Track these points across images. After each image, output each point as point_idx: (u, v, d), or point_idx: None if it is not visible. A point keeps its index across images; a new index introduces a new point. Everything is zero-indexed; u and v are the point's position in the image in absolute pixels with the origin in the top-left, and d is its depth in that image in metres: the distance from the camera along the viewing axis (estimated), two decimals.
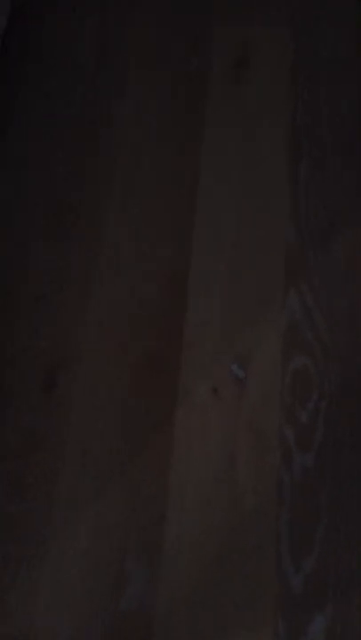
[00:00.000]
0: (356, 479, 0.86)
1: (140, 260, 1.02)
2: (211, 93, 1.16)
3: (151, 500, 0.85)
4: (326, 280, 0.99)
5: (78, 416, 0.90)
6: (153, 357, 0.95)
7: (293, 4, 1.24)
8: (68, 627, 0.78)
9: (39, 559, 0.81)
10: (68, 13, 1.24)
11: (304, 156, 1.09)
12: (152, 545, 0.82)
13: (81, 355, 0.94)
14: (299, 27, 1.22)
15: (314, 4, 1.25)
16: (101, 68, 1.18)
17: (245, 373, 0.93)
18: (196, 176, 1.08)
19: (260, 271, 1.00)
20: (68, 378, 0.93)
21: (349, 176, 1.08)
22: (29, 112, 1.14)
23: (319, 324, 0.96)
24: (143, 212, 1.05)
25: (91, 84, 1.17)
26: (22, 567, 0.80)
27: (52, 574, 0.80)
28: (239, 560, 0.82)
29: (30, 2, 1.25)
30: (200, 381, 0.92)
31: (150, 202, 1.07)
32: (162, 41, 1.21)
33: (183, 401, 0.91)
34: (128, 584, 0.80)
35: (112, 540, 0.82)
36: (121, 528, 0.83)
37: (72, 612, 0.79)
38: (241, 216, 1.05)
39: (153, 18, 1.24)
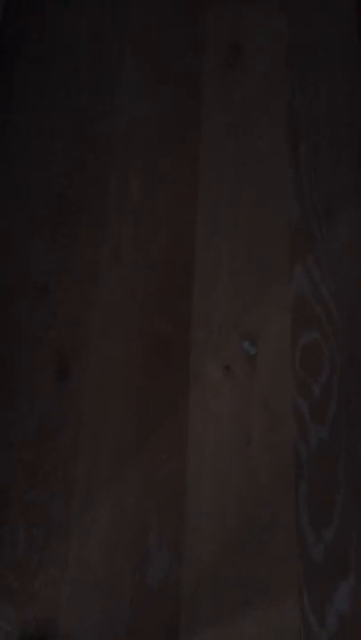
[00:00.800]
0: None
1: (142, 248, 1.02)
2: (207, 83, 1.16)
3: (169, 478, 0.86)
4: (332, 254, 0.99)
5: (92, 402, 0.91)
6: (163, 340, 0.95)
7: None
8: (94, 606, 0.79)
9: (63, 542, 0.82)
10: (64, 7, 1.23)
11: (303, 138, 1.09)
12: (173, 522, 0.83)
13: (90, 342, 0.95)
14: (293, 14, 1.21)
15: None
16: (98, 63, 1.18)
17: (256, 350, 0.93)
18: (196, 164, 1.08)
19: (266, 249, 1.00)
20: (79, 365, 0.93)
21: (347, 156, 1.08)
22: (27, 109, 1.15)
23: (327, 297, 0.96)
24: (143, 203, 1.06)
25: (88, 79, 1.17)
26: (47, 551, 0.82)
27: (77, 556, 0.82)
28: (260, 533, 0.83)
29: None
30: (212, 361, 0.93)
31: (150, 193, 1.07)
32: (158, 33, 1.21)
33: (196, 381, 0.92)
34: (152, 561, 0.81)
35: (133, 520, 0.83)
36: (141, 507, 0.84)
37: (98, 591, 0.80)
38: (244, 199, 1.05)
39: (149, 10, 1.24)
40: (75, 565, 0.81)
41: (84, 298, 0.98)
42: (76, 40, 1.21)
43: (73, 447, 0.87)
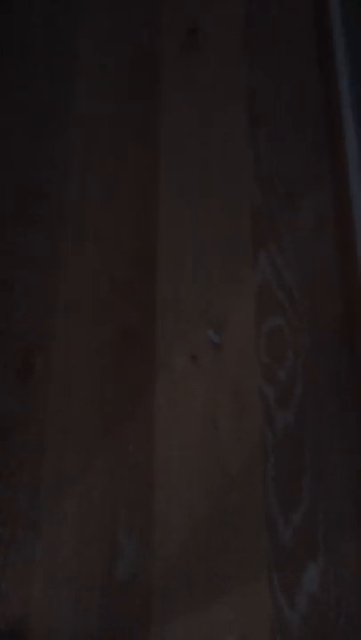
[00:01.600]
0: (337, 432, 0.88)
1: (105, 238, 1.01)
2: (165, 67, 1.14)
3: (137, 469, 0.85)
4: (294, 240, 0.99)
5: (57, 396, 0.90)
6: (127, 332, 0.94)
7: None
8: (65, 602, 0.79)
9: (31, 540, 0.81)
10: None
11: (262, 121, 1.08)
12: (142, 513, 0.83)
13: (54, 336, 0.94)
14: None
15: None
16: (53, 52, 1.15)
17: (222, 338, 0.93)
18: (156, 150, 1.07)
19: (228, 236, 1.00)
20: (43, 360, 0.92)
21: (306, 137, 1.08)
22: None
23: (290, 283, 0.96)
24: (105, 193, 1.04)
25: (43, 68, 1.14)
26: (14, 549, 0.81)
27: (46, 553, 0.81)
28: (229, 519, 0.83)
29: None
30: (177, 350, 0.93)
31: (112, 182, 1.05)
32: (112, 23, 1.18)
33: (162, 371, 0.91)
34: (122, 554, 0.81)
35: (102, 514, 0.83)
36: (110, 501, 0.83)
37: (69, 587, 0.79)
38: (206, 185, 1.04)
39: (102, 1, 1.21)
40: (43, 562, 0.80)
41: (47, 290, 0.97)
42: (29, 27, 1.18)
43: (39, 443, 0.86)
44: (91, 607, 0.79)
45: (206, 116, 1.09)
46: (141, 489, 0.84)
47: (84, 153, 1.08)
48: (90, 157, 1.06)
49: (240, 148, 1.07)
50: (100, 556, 0.81)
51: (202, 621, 0.78)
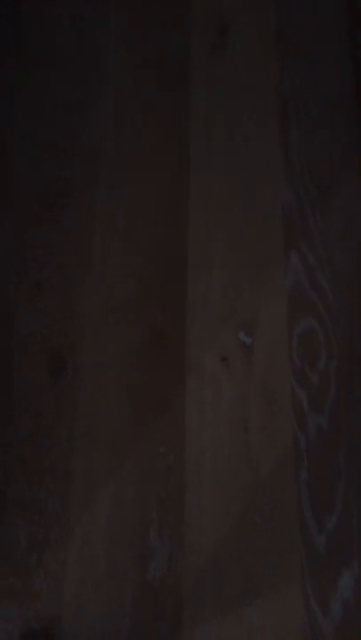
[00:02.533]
0: None
1: (133, 239, 1.00)
2: (194, 66, 1.14)
3: (169, 471, 0.85)
4: (326, 238, 0.98)
5: (87, 397, 0.90)
6: (157, 333, 0.94)
7: None
8: (96, 602, 0.79)
9: (63, 540, 0.82)
10: None
11: (293, 120, 1.07)
12: (173, 515, 0.82)
13: (85, 336, 0.94)
14: None
15: None
16: (80, 51, 1.16)
17: (252, 339, 0.92)
18: (184, 150, 1.06)
19: (259, 235, 0.99)
20: (74, 360, 0.92)
21: (337, 135, 1.06)
22: (9, 101, 1.12)
23: (322, 283, 0.94)
24: (133, 190, 1.04)
25: (71, 68, 1.14)
26: (47, 549, 0.81)
27: (77, 553, 0.81)
28: (262, 523, 0.82)
29: None
30: (208, 352, 0.92)
31: (140, 179, 1.05)
32: (140, 21, 1.18)
33: (192, 373, 0.90)
34: (153, 556, 0.81)
35: (133, 515, 0.83)
36: (141, 502, 0.83)
37: (100, 588, 0.79)
38: (235, 185, 1.03)
39: None
40: (75, 563, 0.80)
41: (76, 292, 0.97)
42: (56, 27, 1.18)
43: (69, 444, 0.86)
44: (122, 609, 0.79)
45: (236, 115, 1.08)
46: (173, 491, 0.83)
47: (111, 153, 1.07)
48: (117, 158, 1.06)
49: (270, 148, 1.05)
50: (131, 557, 0.81)
51: (233, 626, 0.77)
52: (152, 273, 0.98)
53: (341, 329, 0.92)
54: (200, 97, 1.11)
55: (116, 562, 0.81)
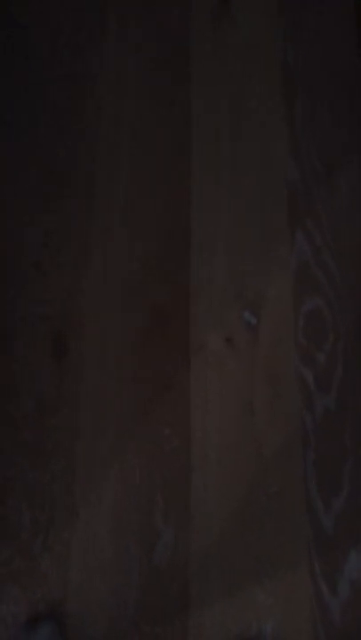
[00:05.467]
0: None
1: (135, 219, 0.98)
2: (196, 40, 1.10)
3: (174, 453, 0.84)
4: (332, 216, 0.96)
5: (91, 378, 0.88)
6: (161, 313, 0.92)
7: None
8: (103, 585, 0.78)
9: (68, 523, 0.81)
10: None
11: (298, 95, 1.04)
12: (179, 497, 0.82)
13: (87, 318, 0.92)
14: None
15: None
16: (81, 24, 1.11)
17: (258, 319, 0.91)
18: (187, 127, 1.03)
19: (265, 213, 0.97)
20: (77, 342, 0.90)
21: (344, 111, 1.03)
22: (9, 78, 1.08)
23: (329, 261, 0.93)
24: (134, 172, 1.01)
25: (70, 42, 1.10)
26: (52, 532, 0.80)
27: (82, 536, 0.80)
28: (268, 504, 0.81)
29: None
30: (212, 332, 0.90)
31: (141, 159, 1.02)
32: None
33: (197, 353, 0.89)
34: (159, 538, 0.80)
35: (138, 498, 0.82)
36: (146, 484, 0.82)
37: (105, 571, 0.79)
38: (239, 162, 1.01)
39: None
40: (81, 546, 0.80)
41: (78, 272, 0.95)
42: (56, 4, 1.14)
43: (74, 425, 0.85)
44: (128, 591, 0.78)
45: (239, 88, 1.05)
46: (178, 473, 0.82)
47: (112, 129, 1.04)
48: (119, 133, 1.03)
49: (274, 123, 1.02)
50: (137, 540, 0.80)
51: (241, 606, 0.77)
52: (154, 253, 0.96)
53: (348, 308, 0.90)
54: (203, 69, 1.07)
55: (121, 545, 0.80)
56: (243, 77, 1.06)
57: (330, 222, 0.95)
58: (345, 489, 0.81)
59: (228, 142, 1.02)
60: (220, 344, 0.90)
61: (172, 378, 0.88)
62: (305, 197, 0.97)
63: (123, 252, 0.96)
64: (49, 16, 1.12)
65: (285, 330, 0.90)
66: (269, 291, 0.92)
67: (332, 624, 0.76)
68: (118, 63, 1.07)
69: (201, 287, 0.93)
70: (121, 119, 1.04)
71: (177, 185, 0.99)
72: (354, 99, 1.04)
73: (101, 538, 0.80)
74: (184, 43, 1.09)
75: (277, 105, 1.03)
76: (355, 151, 1.01)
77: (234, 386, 0.87)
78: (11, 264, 0.95)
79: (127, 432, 0.85)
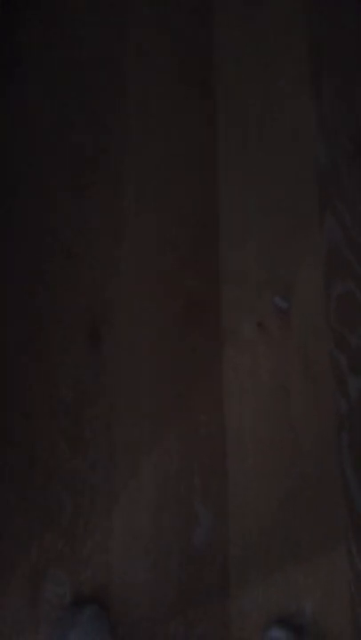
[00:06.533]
0: None
1: (164, 205, 0.98)
2: (221, 20, 1.08)
3: (210, 438, 0.85)
4: None
5: (125, 366, 0.89)
6: (193, 299, 0.92)
7: None
8: (144, 570, 0.80)
9: (109, 509, 0.83)
10: None
11: (326, 78, 1.02)
12: (217, 482, 0.83)
13: (121, 305, 0.93)
14: None
15: None
16: (105, 6, 1.10)
17: (289, 304, 0.90)
18: (213, 109, 1.02)
19: (294, 196, 0.95)
20: (111, 330, 0.91)
21: None
22: (36, 64, 1.08)
23: (359, 243, 0.92)
24: (162, 157, 1.00)
25: (93, 27, 1.09)
26: (93, 517, 0.82)
27: (123, 521, 0.82)
28: (304, 487, 0.82)
29: None
30: (244, 317, 0.90)
31: (168, 142, 1.01)
32: None
33: (230, 339, 0.89)
34: (198, 522, 0.81)
35: (177, 482, 0.83)
36: (184, 469, 0.84)
37: (147, 556, 0.81)
38: (267, 144, 0.99)
39: None
40: (121, 531, 0.82)
41: (109, 260, 0.95)
42: None
43: (110, 413, 0.86)
44: (169, 574, 0.80)
45: (265, 68, 1.03)
46: (215, 458, 0.84)
47: (139, 116, 1.04)
48: (146, 121, 1.02)
49: (302, 103, 1.01)
50: (176, 524, 0.81)
51: (280, 588, 0.79)
52: (184, 239, 0.95)
53: None
54: (229, 50, 1.05)
55: (161, 529, 0.82)
56: (269, 58, 1.04)
57: (359, 204, 0.94)
58: None
59: (255, 124, 1.00)
60: (252, 329, 0.90)
61: (205, 364, 0.88)
62: (335, 179, 0.95)
63: (153, 240, 0.96)
64: (70, 7, 1.11)
65: (317, 314, 0.90)
66: (300, 275, 0.92)
67: None
68: (142, 48, 1.06)
69: (232, 273, 0.93)
70: (147, 104, 1.03)
71: (204, 172, 0.98)
72: None
73: (141, 523, 0.82)
74: (208, 19, 1.07)
75: (305, 84, 1.01)
76: None
77: (267, 371, 0.88)
78: (43, 253, 0.95)
79: (163, 419, 0.86)
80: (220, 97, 1.02)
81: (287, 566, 0.79)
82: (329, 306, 0.90)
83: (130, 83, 1.04)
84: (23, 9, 1.10)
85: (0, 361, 0.89)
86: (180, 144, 1.00)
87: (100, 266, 0.94)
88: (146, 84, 1.04)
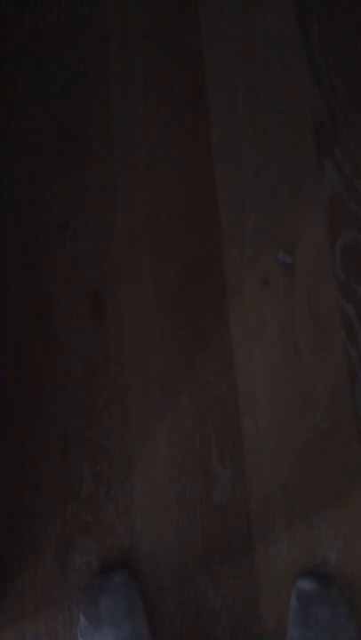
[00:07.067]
0: None
1: (157, 170, 0.95)
2: None
3: (222, 399, 0.85)
4: (360, 142, 0.92)
5: (132, 335, 0.89)
6: (195, 262, 0.91)
7: None
8: (167, 529, 0.81)
9: (128, 474, 0.83)
10: None
11: (315, 16, 0.98)
12: (232, 440, 0.83)
13: (121, 275, 0.92)
14: None
15: None
16: None
17: (293, 258, 0.89)
18: (200, 63, 0.99)
19: (290, 147, 0.93)
20: (114, 300, 0.90)
21: None
22: (17, 37, 1.04)
23: None
24: (151, 118, 0.98)
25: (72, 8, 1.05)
26: (114, 484, 0.83)
27: (143, 485, 0.83)
28: (321, 440, 0.82)
29: None
30: (248, 276, 0.89)
31: (157, 102, 0.99)
32: None
33: (235, 299, 0.88)
34: (217, 481, 0.82)
35: (193, 444, 0.84)
36: (199, 431, 0.84)
37: (169, 516, 0.82)
38: (258, 96, 0.97)
39: None
40: (142, 494, 0.82)
41: (106, 230, 0.94)
42: None
43: (122, 382, 0.86)
44: (193, 532, 0.81)
45: (251, 12, 0.99)
46: (229, 418, 0.84)
47: (124, 82, 1.01)
48: (131, 87, 1.00)
49: (293, 47, 0.97)
50: (196, 483, 0.82)
51: (303, 538, 0.80)
52: (181, 201, 0.94)
53: None
54: (211, 2, 1.02)
55: (181, 489, 0.82)
56: (254, 2, 1.00)
57: (359, 150, 0.91)
58: None
59: (243, 76, 0.97)
60: (257, 287, 0.89)
61: (212, 326, 0.88)
62: (331, 125, 0.93)
63: (149, 207, 0.94)
64: None
65: (323, 266, 0.88)
66: (303, 227, 0.90)
67: None
68: (124, 23, 1.02)
69: (232, 232, 0.91)
70: (132, 70, 0.99)
71: (197, 130, 0.96)
72: None
73: (161, 485, 0.83)
74: None
75: (293, 27, 0.98)
76: None
77: (275, 327, 0.87)
78: (39, 228, 0.94)
79: (174, 384, 0.86)
80: (206, 54, 0.99)
81: (309, 516, 0.80)
82: (334, 257, 0.88)
83: (112, 53, 1.00)
84: None
85: (6, 342, 0.88)
86: (168, 109, 0.97)
87: (95, 236, 0.92)
88: (129, 51, 1.00)
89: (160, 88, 0.98)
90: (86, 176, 0.96)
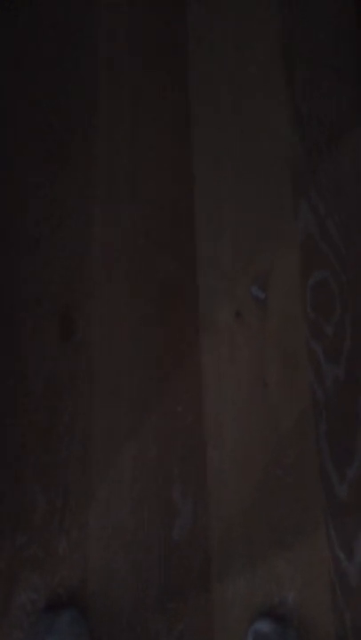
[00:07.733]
0: None
1: (137, 193, 0.94)
2: (192, 8, 1.06)
3: (188, 429, 0.83)
4: (336, 187, 0.95)
5: (101, 357, 0.86)
6: (169, 288, 0.90)
7: None
8: (123, 564, 0.77)
9: (84, 504, 0.79)
10: None
11: (298, 62, 1.02)
12: (195, 473, 0.81)
13: (93, 295, 0.89)
14: None
15: None
16: None
17: (266, 293, 0.90)
18: (184, 96, 1.00)
19: (268, 185, 0.95)
20: (84, 319, 0.87)
21: (347, 75, 1.02)
22: (5, 42, 1.01)
23: (333, 233, 0.93)
24: (135, 140, 0.97)
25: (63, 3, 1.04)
26: (68, 515, 0.78)
27: (100, 517, 0.79)
28: (284, 475, 0.82)
29: None
30: (221, 307, 0.89)
31: (141, 130, 0.98)
32: None
33: (207, 328, 0.88)
34: (178, 514, 0.79)
35: (155, 475, 0.81)
36: (162, 462, 0.81)
37: (126, 550, 0.78)
38: (240, 132, 0.98)
39: None
40: (99, 526, 0.78)
41: (80, 248, 0.91)
42: None
43: (86, 406, 0.83)
44: (149, 569, 0.78)
45: (237, 55, 1.02)
46: (194, 449, 0.82)
47: (112, 97, 1.00)
48: (117, 106, 0.99)
49: (275, 91, 1.00)
50: (156, 516, 0.79)
51: (262, 578, 0.78)
52: (159, 228, 0.93)
53: (355, 279, 0.91)
54: (199, 38, 1.03)
55: (140, 522, 0.79)
56: (241, 44, 1.03)
57: (334, 192, 0.95)
58: (358, 458, 0.83)
59: (227, 113, 0.99)
60: (229, 319, 0.89)
61: (182, 354, 0.86)
62: (308, 167, 0.96)
63: (126, 229, 0.92)
64: None
65: (294, 303, 0.90)
66: (277, 264, 0.91)
67: (350, 589, 0.78)
68: (113, 31, 1.02)
69: (207, 263, 0.91)
70: (119, 90, 0.99)
71: (179, 157, 0.96)
72: (354, 68, 1.02)
73: (119, 517, 0.79)
74: (182, 10, 1.04)
75: (277, 72, 1.01)
76: (358, 117, 1.00)
77: (245, 360, 0.87)
78: (11, 241, 0.90)
79: (141, 410, 0.83)
80: (190, 88, 1.00)
81: (268, 554, 0.79)
82: (305, 295, 0.90)
83: (100, 67, 0.99)
84: None
85: None
86: (151, 130, 0.97)
87: (69, 253, 0.89)
88: (115, 73, 1.00)
89: (145, 116, 0.98)
90: (65, 194, 0.93)
